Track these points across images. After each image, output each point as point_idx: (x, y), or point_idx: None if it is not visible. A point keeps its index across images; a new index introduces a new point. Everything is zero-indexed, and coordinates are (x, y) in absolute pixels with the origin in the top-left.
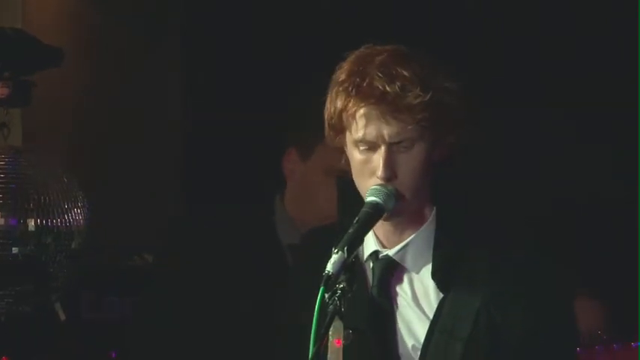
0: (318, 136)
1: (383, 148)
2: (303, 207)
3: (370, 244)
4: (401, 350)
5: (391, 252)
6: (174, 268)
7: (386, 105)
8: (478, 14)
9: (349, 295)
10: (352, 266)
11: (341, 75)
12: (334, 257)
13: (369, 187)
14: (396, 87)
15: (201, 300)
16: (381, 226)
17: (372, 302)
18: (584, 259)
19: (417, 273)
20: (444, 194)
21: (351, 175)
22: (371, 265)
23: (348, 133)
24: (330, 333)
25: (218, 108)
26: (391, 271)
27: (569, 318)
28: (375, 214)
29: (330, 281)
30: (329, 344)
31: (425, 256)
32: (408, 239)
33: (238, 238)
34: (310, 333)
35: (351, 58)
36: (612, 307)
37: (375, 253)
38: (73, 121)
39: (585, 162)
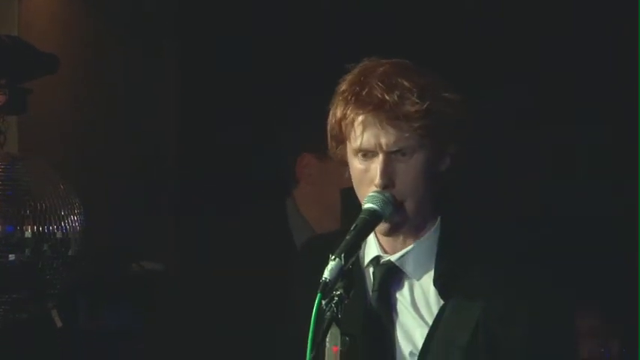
0: None
1: (381, 157)
2: (325, 205)
3: (372, 249)
4: (398, 356)
5: (393, 257)
6: (187, 278)
7: (384, 113)
8: (477, 14)
9: (346, 301)
10: (349, 273)
11: (342, 86)
12: (331, 264)
13: None
14: (395, 95)
15: (216, 310)
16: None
17: (370, 308)
18: (586, 271)
19: (418, 280)
20: (448, 203)
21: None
22: (372, 270)
23: (348, 143)
24: (327, 340)
25: (215, 113)
26: (392, 276)
27: (569, 333)
28: (373, 220)
29: (327, 288)
30: (326, 351)
31: (427, 263)
32: (411, 246)
33: (252, 245)
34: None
35: (354, 70)
36: (613, 322)
37: (377, 258)
38: (70, 128)
39: (590, 170)
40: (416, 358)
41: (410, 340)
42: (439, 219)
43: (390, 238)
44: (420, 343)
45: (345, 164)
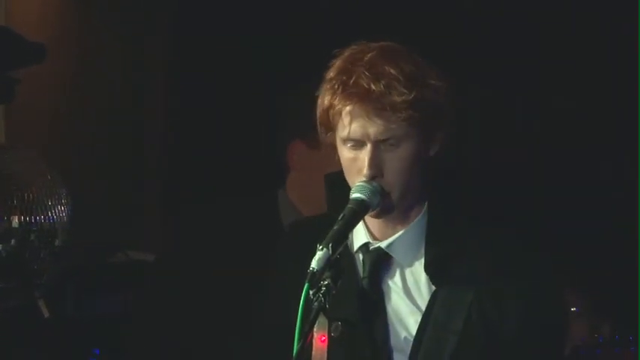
0: None
1: (368, 147)
2: (314, 193)
3: (361, 235)
4: (393, 342)
5: (382, 244)
6: (177, 268)
7: (371, 103)
8: (477, 13)
9: (334, 291)
10: (337, 262)
11: (330, 72)
12: (319, 254)
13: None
14: (381, 85)
15: (205, 299)
16: (372, 219)
17: (362, 294)
18: (578, 254)
19: (409, 266)
20: (436, 188)
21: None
22: (361, 257)
23: (337, 131)
24: (315, 330)
25: (205, 105)
26: (382, 263)
27: (562, 314)
28: (360, 210)
29: (315, 278)
30: (313, 341)
31: (417, 248)
32: (400, 232)
33: (242, 233)
34: (294, 327)
35: (343, 55)
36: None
37: (366, 245)
38: (57, 118)
39: (578, 153)
40: (410, 343)
41: (403, 326)
42: (426, 204)
43: (379, 225)
44: (413, 328)
45: (335, 149)
